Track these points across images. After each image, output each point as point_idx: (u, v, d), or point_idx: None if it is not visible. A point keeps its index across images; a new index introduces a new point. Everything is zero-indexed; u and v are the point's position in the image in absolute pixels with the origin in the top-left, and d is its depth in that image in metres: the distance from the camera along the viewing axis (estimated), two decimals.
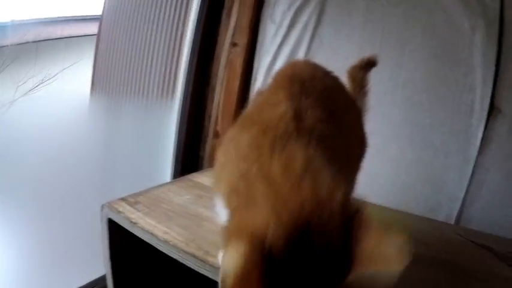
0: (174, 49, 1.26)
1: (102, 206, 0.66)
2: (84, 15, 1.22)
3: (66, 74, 1.12)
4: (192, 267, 0.54)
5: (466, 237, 0.89)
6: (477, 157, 1.07)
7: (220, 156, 0.45)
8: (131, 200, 0.69)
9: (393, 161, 1.10)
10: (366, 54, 1.04)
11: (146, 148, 1.34)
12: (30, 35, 1.05)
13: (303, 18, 1.20)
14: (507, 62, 1.04)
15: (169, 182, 0.84)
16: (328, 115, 0.46)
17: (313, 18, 1.19)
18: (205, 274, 0.52)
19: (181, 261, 0.54)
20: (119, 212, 0.64)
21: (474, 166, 1.08)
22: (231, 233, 0.32)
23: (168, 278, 0.79)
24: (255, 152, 0.38)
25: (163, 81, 1.27)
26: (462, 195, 1.09)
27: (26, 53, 1.03)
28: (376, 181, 1.11)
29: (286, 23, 1.21)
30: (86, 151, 1.19)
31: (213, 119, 1.27)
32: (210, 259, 0.53)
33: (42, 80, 1.06)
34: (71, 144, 1.14)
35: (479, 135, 1.06)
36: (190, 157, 1.26)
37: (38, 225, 1.03)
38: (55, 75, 1.09)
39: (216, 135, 1.24)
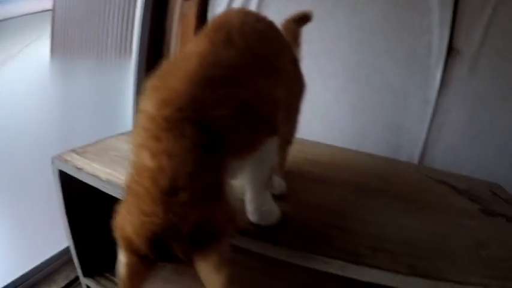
0: (128, 6, 1.23)
1: (53, 159, 0.65)
2: None
3: (29, 51, 1.12)
4: None
5: (425, 175, 0.92)
6: (437, 98, 1.10)
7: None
8: (80, 150, 0.69)
9: (352, 104, 1.12)
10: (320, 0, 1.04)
11: (107, 107, 1.36)
12: None
13: None
14: (465, 3, 1.06)
15: (121, 133, 0.83)
16: (257, 59, 0.47)
17: None
18: None
19: None
20: (67, 161, 0.64)
21: (434, 108, 1.11)
22: (117, 229, 0.38)
23: None
24: (148, 130, 0.38)
25: (120, 39, 1.26)
26: (423, 137, 1.12)
27: None
28: (336, 125, 1.13)
29: None
30: (49, 115, 1.21)
31: None
32: None
33: (4, 59, 1.05)
34: (34, 111, 1.14)
35: (438, 76, 1.09)
36: None
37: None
38: (17, 53, 1.09)
39: None
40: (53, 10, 1.27)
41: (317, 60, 1.07)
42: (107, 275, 0.80)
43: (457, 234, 0.62)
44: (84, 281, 0.79)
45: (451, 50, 1.07)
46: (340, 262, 0.47)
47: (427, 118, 1.11)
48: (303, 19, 0.72)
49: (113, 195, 0.56)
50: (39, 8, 1.20)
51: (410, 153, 1.14)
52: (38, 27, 1.20)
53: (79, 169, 0.61)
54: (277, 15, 0.62)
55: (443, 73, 1.08)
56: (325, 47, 1.07)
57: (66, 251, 1.00)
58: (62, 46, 1.33)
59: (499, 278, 0.49)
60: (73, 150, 0.68)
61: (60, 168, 0.64)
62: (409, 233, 0.58)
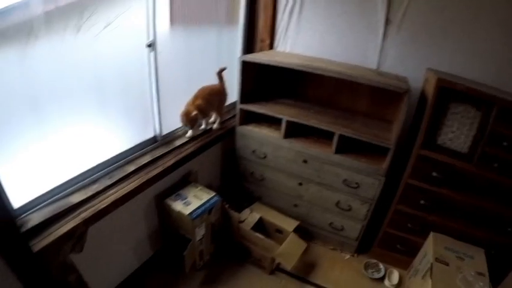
0: None
1: (239, 57, 2.24)
2: None
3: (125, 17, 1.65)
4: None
5: (373, 70, 2.42)
6: (382, 44, 2.55)
7: None
8: (246, 56, 2.25)
9: (348, 46, 2.63)
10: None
11: (222, 56, 2.61)
12: None
13: None
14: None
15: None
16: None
17: None
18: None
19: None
20: (245, 56, 2.20)
21: (381, 48, 2.56)
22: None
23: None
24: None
25: (231, 13, 2.56)
26: (377, 60, 2.58)
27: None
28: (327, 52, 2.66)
29: None
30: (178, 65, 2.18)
31: (259, 32, 2.78)
32: None
33: (108, 23, 1.56)
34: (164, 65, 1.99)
35: (381, 33, 2.51)
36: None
37: None
38: (119, 15, 1.60)
39: (262, 41, 2.78)
40: None
41: (323, 31, 2.61)
42: (244, 104, 2.37)
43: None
44: (239, 106, 2.40)
45: (388, 20, 2.46)
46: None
47: (377, 52, 2.54)
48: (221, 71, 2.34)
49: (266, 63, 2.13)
50: None
51: (373, 65, 2.58)
52: None
53: (254, 57, 2.18)
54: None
55: (384, 32, 2.48)
56: (324, 24, 2.59)
57: None
58: (180, 14, 2.03)
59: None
60: (246, 55, 2.24)
61: (243, 60, 2.22)
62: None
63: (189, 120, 2.15)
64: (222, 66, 2.34)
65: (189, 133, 2.27)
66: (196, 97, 2.21)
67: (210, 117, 2.45)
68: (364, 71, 2.31)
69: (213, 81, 2.37)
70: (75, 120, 1.62)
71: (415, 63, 2.47)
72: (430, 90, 1.92)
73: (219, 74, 2.34)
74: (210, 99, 2.27)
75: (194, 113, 2.13)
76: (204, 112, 2.25)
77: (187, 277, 2.25)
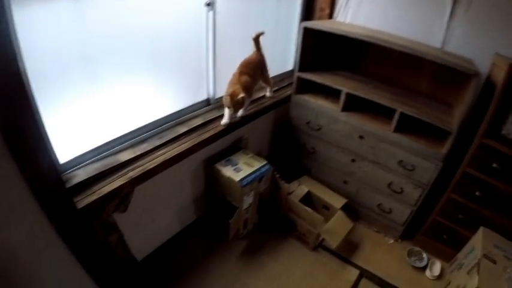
0: None
1: (300, 23, 2.16)
2: None
3: None
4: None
5: (437, 49, 2.33)
6: (448, 23, 2.45)
7: None
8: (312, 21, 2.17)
9: (412, 22, 2.55)
10: None
11: (280, 22, 2.56)
12: None
13: None
14: None
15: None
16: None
17: None
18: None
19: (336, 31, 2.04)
20: (307, 23, 2.13)
21: (446, 27, 2.46)
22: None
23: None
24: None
25: None
26: (442, 38, 2.48)
27: None
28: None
29: None
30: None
31: (318, 1, 2.67)
32: None
33: None
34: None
35: (448, 12, 2.42)
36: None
37: None
38: None
39: (321, 10, 2.70)
40: None
41: (386, 4, 2.50)
42: (302, 73, 2.31)
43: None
44: (297, 74, 2.35)
45: (455, 1, 2.37)
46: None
47: (443, 31, 2.45)
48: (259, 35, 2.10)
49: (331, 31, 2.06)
50: None
51: (438, 44, 2.49)
52: None
53: (316, 25, 2.10)
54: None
55: (451, 12, 2.39)
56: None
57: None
58: None
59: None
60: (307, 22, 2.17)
61: (304, 26, 2.14)
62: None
63: (234, 103, 1.91)
64: (260, 31, 2.12)
65: (225, 119, 2.05)
66: (240, 74, 1.99)
67: None
68: (428, 49, 2.22)
69: (270, 47, 2.31)
70: (127, 78, 1.61)
71: (482, 46, 2.37)
72: (500, 76, 1.83)
73: (256, 39, 2.12)
74: (254, 74, 2.09)
75: (241, 95, 1.88)
76: (250, 91, 2.06)
77: (228, 245, 2.26)
